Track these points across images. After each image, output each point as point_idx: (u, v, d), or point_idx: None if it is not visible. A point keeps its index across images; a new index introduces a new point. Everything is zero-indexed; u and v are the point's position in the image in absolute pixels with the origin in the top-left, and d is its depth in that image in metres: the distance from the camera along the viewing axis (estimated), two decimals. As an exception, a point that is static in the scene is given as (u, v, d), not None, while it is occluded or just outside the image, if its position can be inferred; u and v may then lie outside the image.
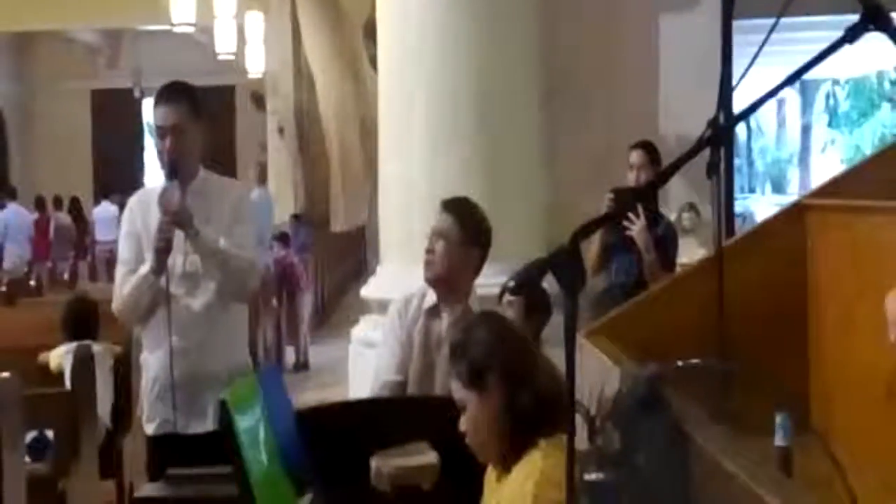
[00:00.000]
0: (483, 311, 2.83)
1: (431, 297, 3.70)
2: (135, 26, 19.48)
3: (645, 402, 2.67)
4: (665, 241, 5.24)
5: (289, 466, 2.45)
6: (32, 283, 9.93)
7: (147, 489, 3.19)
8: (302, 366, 10.61)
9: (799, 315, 4.17)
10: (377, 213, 6.27)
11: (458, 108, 5.79)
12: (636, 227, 5.10)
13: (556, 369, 2.49)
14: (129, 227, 3.86)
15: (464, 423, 2.40)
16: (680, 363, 2.57)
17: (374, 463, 2.65)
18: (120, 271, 3.85)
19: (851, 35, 1.89)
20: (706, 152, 2.11)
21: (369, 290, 6.17)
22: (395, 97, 5.99)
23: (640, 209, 5.09)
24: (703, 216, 6.63)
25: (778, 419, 3.35)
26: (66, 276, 11.32)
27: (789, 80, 2.00)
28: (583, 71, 6.55)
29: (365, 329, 6.09)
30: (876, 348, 3.45)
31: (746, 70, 2.33)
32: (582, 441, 2.74)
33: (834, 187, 4.24)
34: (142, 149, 23.72)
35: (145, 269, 3.70)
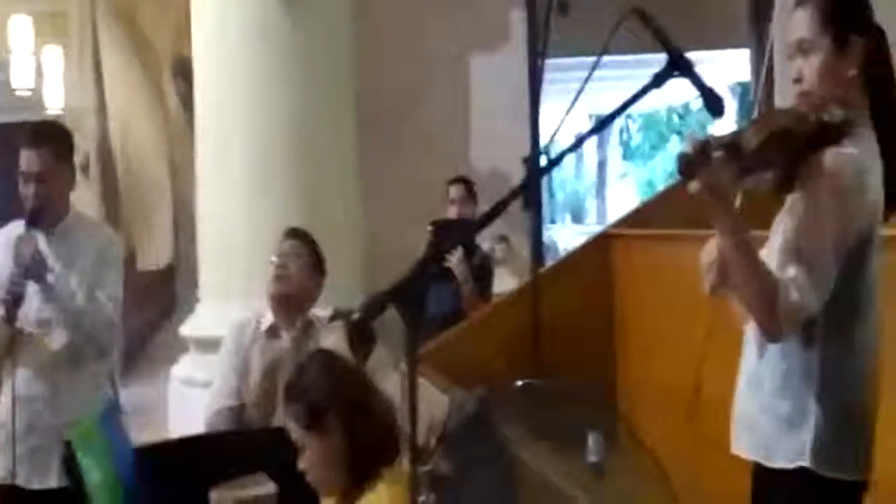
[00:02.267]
0: (316, 350, 2.91)
1: (269, 318, 3.79)
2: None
3: (474, 423, 2.83)
4: (481, 271, 5.45)
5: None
6: None
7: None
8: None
9: (608, 338, 4.44)
10: (187, 250, 6.26)
11: (275, 150, 5.87)
12: (454, 258, 5.29)
13: (389, 399, 2.60)
14: None
15: (303, 462, 2.43)
16: (520, 383, 2.74)
17: (214, 496, 2.71)
18: None
19: (658, 80, 2.09)
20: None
21: (188, 329, 6.15)
22: (211, 138, 6.02)
23: (457, 241, 5.29)
24: (513, 247, 6.89)
25: (590, 438, 3.56)
26: None
27: (607, 120, 2.16)
28: (395, 110, 6.73)
29: (185, 368, 6.07)
30: (677, 371, 3.71)
31: (568, 111, 2.49)
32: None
33: (635, 217, 4.54)
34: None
35: None
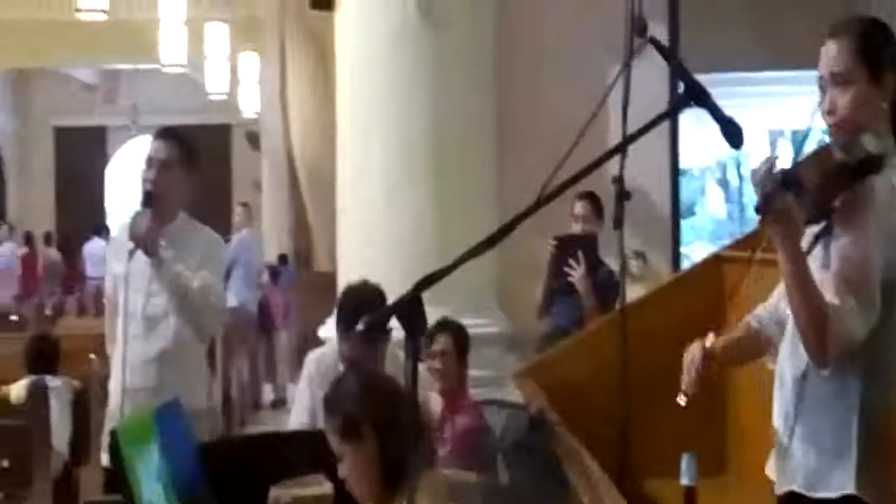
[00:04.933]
0: (351, 364, 3.00)
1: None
2: (127, 66, 19.75)
3: (524, 439, 2.87)
4: (604, 288, 5.43)
5: (188, 498, 2.63)
6: (14, 318, 10.14)
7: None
8: (279, 402, 10.78)
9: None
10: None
11: (414, 157, 6.00)
12: (577, 273, 5.30)
13: (426, 412, 2.66)
14: (108, 265, 4.08)
15: (342, 471, 2.54)
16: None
17: (273, 493, 2.84)
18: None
19: (674, 110, 2.11)
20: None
21: (325, 331, 6.35)
22: (351, 144, 6.22)
23: (581, 257, 5.30)
24: (650, 264, 6.83)
25: (684, 461, 3.55)
26: (48, 311, 11.48)
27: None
28: (533, 119, 6.76)
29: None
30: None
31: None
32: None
33: (748, 240, 4.45)
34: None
35: None
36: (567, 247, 5.31)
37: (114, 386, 3.92)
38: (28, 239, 16.83)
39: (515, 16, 6.60)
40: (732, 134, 2.09)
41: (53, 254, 17.02)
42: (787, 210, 2.19)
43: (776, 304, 2.55)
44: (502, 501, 2.70)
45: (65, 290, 15.97)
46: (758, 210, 2.22)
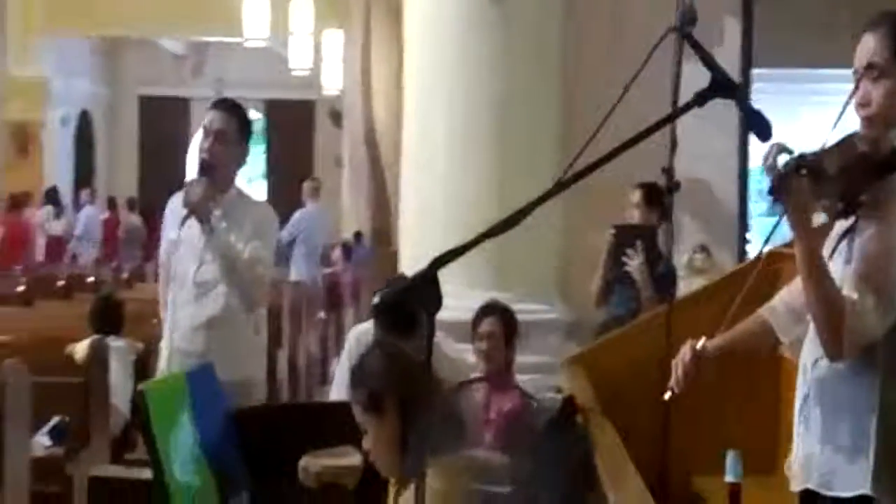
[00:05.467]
0: (376, 340, 3.04)
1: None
2: (211, 38, 20.02)
3: (556, 422, 2.89)
4: (663, 278, 5.39)
5: (216, 463, 2.69)
6: (91, 279, 10.36)
7: (102, 469, 3.45)
8: (349, 376, 10.87)
9: (767, 362, 4.32)
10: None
11: (478, 140, 6.03)
12: (634, 263, 5.28)
13: (450, 389, 2.69)
14: (164, 232, 4.19)
15: (366, 443, 2.59)
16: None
17: (303, 462, 2.89)
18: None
19: (700, 100, 2.10)
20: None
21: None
22: (417, 124, 6.26)
23: (638, 246, 5.28)
24: (714, 258, 6.77)
25: (729, 457, 3.52)
26: (125, 275, 11.71)
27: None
28: (600, 107, 6.70)
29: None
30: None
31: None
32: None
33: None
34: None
35: None
36: (625, 236, 5.30)
37: (163, 349, 4.01)
38: (111, 204, 17.17)
39: (583, 5, 6.58)
40: (760, 127, 2.09)
41: (135, 219, 17.34)
42: (799, 192, 2.18)
43: (794, 291, 2.53)
44: (528, 486, 2.71)
45: (145, 256, 16.28)
46: (770, 192, 2.21)
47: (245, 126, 4.08)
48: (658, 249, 5.42)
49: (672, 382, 2.65)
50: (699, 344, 2.62)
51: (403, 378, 2.56)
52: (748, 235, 7.46)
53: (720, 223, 6.88)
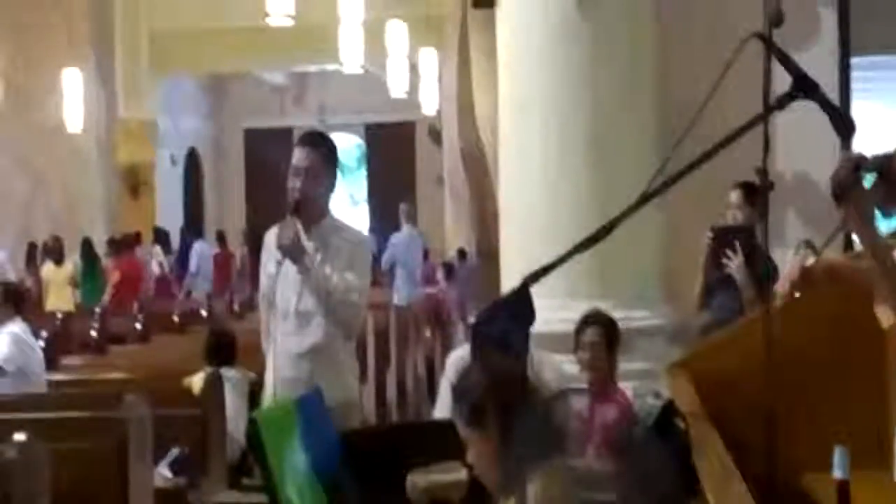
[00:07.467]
0: (482, 353, 3.07)
1: None
2: (313, 67, 20.34)
3: (654, 431, 2.90)
4: (765, 278, 5.33)
5: (328, 484, 2.77)
6: (204, 313, 10.64)
7: (221, 496, 3.57)
8: (458, 394, 10.94)
9: (872, 359, 4.24)
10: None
11: (574, 149, 6.04)
12: (734, 264, 5.23)
13: (553, 402, 2.72)
14: (263, 265, 4.27)
15: (469, 457, 2.64)
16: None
17: (411, 478, 2.96)
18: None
19: (781, 102, 2.12)
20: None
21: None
22: (512, 135, 6.30)
23: (738, 247, 5.22)
24: (819, 254, 6.64)
25: (836, 453, 3.48)
26: (236, 307, 11.97)
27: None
28: (695, 108, 6.65)
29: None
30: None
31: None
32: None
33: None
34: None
35: None
36: (723, 237, 5.25)
37: (268, 378, 4.13)
38: (220, 238, 17.53)
39: (672, 10, 6.55)
40: (841, 125, 2.09)
41: (247, 251, 17.63)
42: (857, 193, 2.19)
43: None
44: (630, 493, 2.73)
45: (254, 287, 16.54)
46: (834, 194, 2.22)
47: (331, 154, 4.17)
48: (758, 249, 5.37)
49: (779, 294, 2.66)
50: (809, 262, 2.61)
51: (503, 390, 2.60)
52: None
53: (826, 218, 6.75)
